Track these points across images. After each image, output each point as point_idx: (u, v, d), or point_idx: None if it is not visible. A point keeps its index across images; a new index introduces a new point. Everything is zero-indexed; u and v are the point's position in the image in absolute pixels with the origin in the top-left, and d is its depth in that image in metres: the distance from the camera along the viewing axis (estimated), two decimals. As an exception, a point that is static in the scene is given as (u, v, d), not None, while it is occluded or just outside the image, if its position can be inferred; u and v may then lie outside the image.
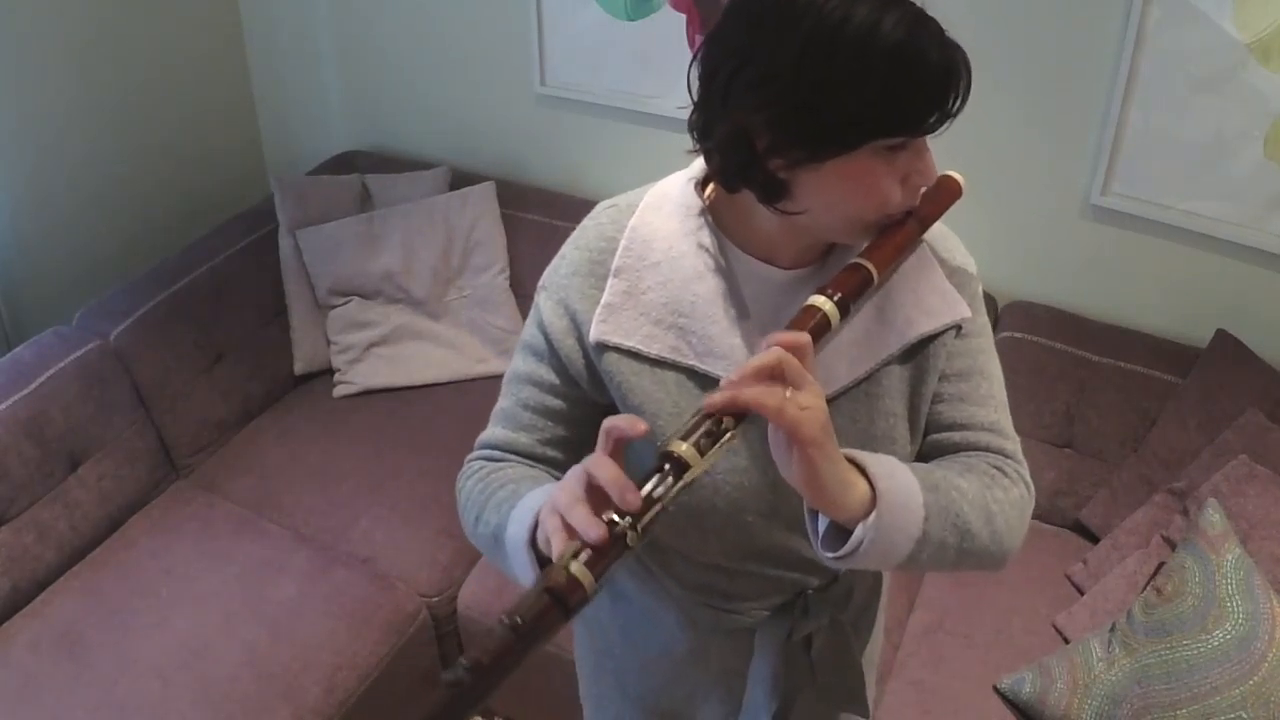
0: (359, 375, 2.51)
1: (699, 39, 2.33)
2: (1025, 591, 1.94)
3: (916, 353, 1.02)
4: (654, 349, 0.99)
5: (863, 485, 0.89)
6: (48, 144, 2.52)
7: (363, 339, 2.52)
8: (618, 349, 1.00)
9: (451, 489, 1.14)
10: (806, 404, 0.84)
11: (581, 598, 0.77)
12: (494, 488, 1.04)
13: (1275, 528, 1.75)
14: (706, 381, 0.99)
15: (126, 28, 2.61)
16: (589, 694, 1.36)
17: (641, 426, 0.83)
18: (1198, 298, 2.12)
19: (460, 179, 2.66)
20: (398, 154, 2.84)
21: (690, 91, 0.93)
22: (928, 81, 0.85)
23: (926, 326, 1.01)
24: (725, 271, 1.00)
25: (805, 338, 0.86)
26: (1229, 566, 1.64)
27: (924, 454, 1.06)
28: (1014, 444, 1.06)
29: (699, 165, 1.02)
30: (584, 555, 0.78)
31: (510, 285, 2.59)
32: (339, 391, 2.51)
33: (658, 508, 0.81)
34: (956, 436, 1.04)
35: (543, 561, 0.90)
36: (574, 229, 1.09)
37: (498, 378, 2.69)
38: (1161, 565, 1.79)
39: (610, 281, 1.00)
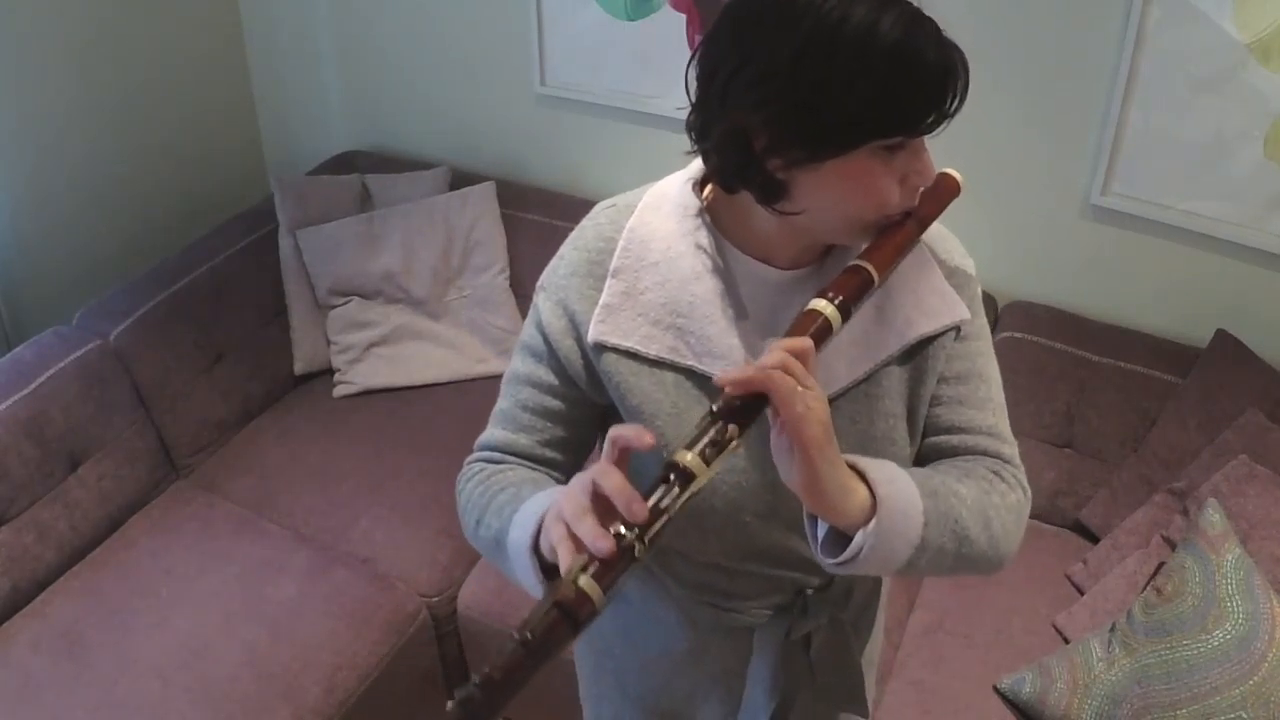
0: (359, 375, 2.51)
1: (699, 39, 2.33)
2: (1025, 591, 1.94)
3: (915, 354, 1.02)
4: (652, 349, 0.99)
5: (863, 491, 0.89)
6: (48, 144, 2.52)
7: (363, 339, 2.52)
8: (616, 349, 1.00)
9: (451, 489, 1.14)
10: (812, 405, 0.84)
11: (591, 611, 0.77)
12: (494, 491, 1.04)
13: (1275, 528, 1.75)
14: (705, 382, 0.99)
15: (126, 28, 2.61)
16: (589, 694, 1.36)
17: (648, 438, 0.83)
18: (1198, 298, 2.12)
19: (460, 179, 2.66)
20: (398, 154, 2.84)
21: (688, 92, 0.93)
22: (925, 81, 0.85)
23: (926, 327, 1.01)
24: (723, 272, 1.00)
25: (808, 343, 0.86)
26: (1229, 566, 1.64)
27: (921, 456, 1.06)
28: (1011, 448, 1.06)
29: (697, 165, 1.02)
30: (592, 568, 0.78)
31: (510, 285, 2.59)
32: (339, 391, 2.51)
33: (664, 519, 0.81)
34: (954, 440, 1.04)
35: (545, 566, 0.91)
36: (574, 229, 1.09)
37: (498, 378, 2.69)
38: (1161, 565, 1.79)
39: (608, 282, 1.01)
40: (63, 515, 2.06)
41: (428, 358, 2.54)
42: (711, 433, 0.83)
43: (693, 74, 0.92)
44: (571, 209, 2.53)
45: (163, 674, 1.83)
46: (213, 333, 2.39)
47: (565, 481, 1.06)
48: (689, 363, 0.99)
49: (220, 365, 2.40)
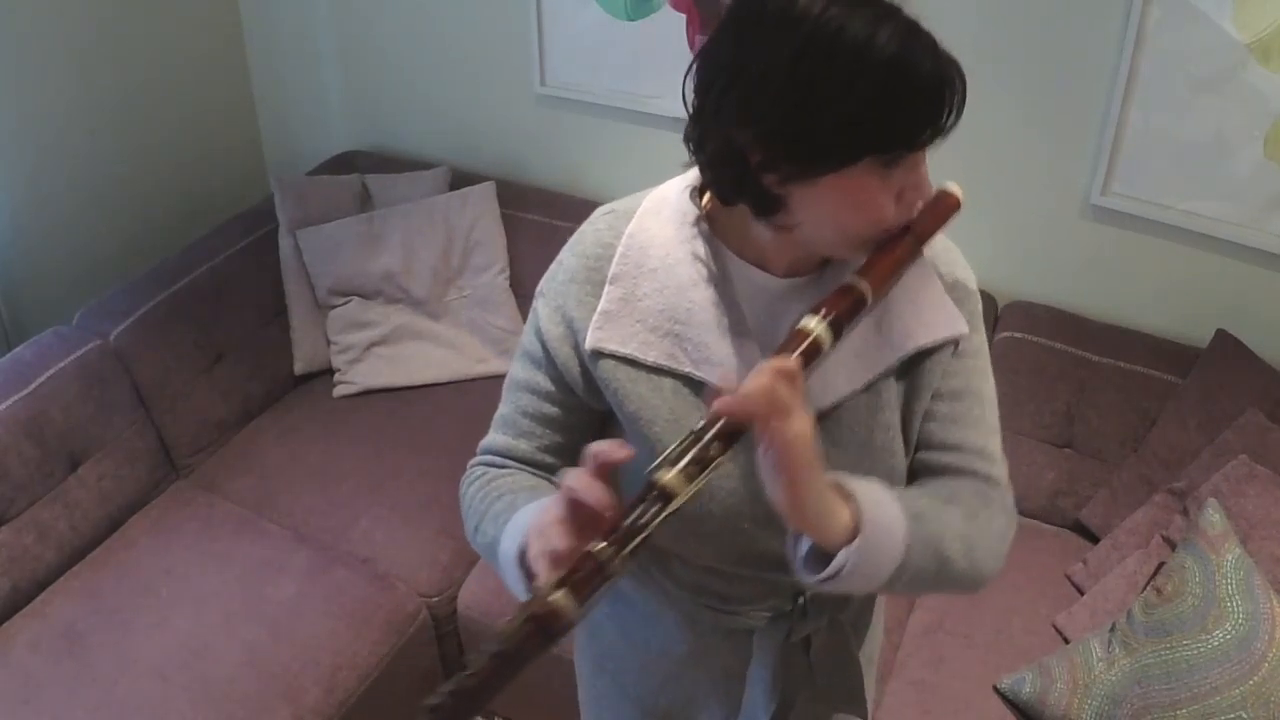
0: (359, 375, 2.51)
1: (699, 39, 2.33)
2: (1025, 591, 1.94)
3: (912, 368, 1.02)
4: (650, 356, 0.99)
5: (846, 512, 0.89)
6: (48, 144, 2.52)
7: (363, 339, 2.52)
8: (614, 356, 1.00)
9: (451, 489, 1.14)
10: (796, 430, 0.84)
11: (562, 625, 0.79)
12: (492, 498, 1.04)
13: (1275, 528, 1.75)
14: (702, 389, 0.99)
15: (126, 28, 2.61)
16: (588, 696, 1.36)
17: (624, 451, 0.83)
18: (1198, 298, 2.12)
19: (460, 179, 2.66)
20: (398, 154, 2.84)
21: (685, 103, 0.93)
22: (921, 95, 0.85)
23: (924, 340, 1.00)
24: (721, 279, 0.99)
25: (796, 365, 0.86)
26: (1229, 566, 1.64)
27: (910, 471, 1.06)
28: (1000, 469, 1.06)
29: (697, 171, 1.02)
30: (568, 583, 0.79)
31: (510, 285, 2.59)
32: (339, 391, 2.51)
33: (642, 536, 0.82)
34: (945, 458, 1.04)
35: (533, 577, 0.91)
36: (574, 229, 1.09)
37: (498, 378, 2.69)
38: (1161, 565, 1.79)
39: (606, 289, 1.00)
40: (63, 515, 2.06)
41: (428, 358, 2.54)
42: (694, 451, 0.84)
43: (689, 86, 0.92)
44: (571, 209, 2.54)
45: (163, 674, 1.83)
46: (213, 333, 2.39)
47: None
48: (686, 369, 0.99)
49: (220, 365, 2.40)
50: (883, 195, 0.90)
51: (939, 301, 1.01)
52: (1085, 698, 1.68)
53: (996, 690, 1.78)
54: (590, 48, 2.45)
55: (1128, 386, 2.06)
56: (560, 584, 0.79)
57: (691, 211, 1.00)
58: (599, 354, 1.00)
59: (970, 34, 2.08)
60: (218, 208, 2.82)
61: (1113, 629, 1.73)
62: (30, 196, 2.51)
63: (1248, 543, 1.72)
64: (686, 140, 0.95)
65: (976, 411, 1.04)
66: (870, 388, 1.00)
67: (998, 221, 2.22)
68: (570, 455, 1.09)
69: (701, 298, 0.98)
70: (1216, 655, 1.58)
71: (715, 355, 0.98)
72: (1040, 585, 1.96)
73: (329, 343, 2.55)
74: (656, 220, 1.01)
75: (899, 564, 0.91)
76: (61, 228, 2.60)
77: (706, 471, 0.84)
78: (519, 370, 1.09)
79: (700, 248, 0.99)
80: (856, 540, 0.88)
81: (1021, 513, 2.12)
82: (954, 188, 0.99)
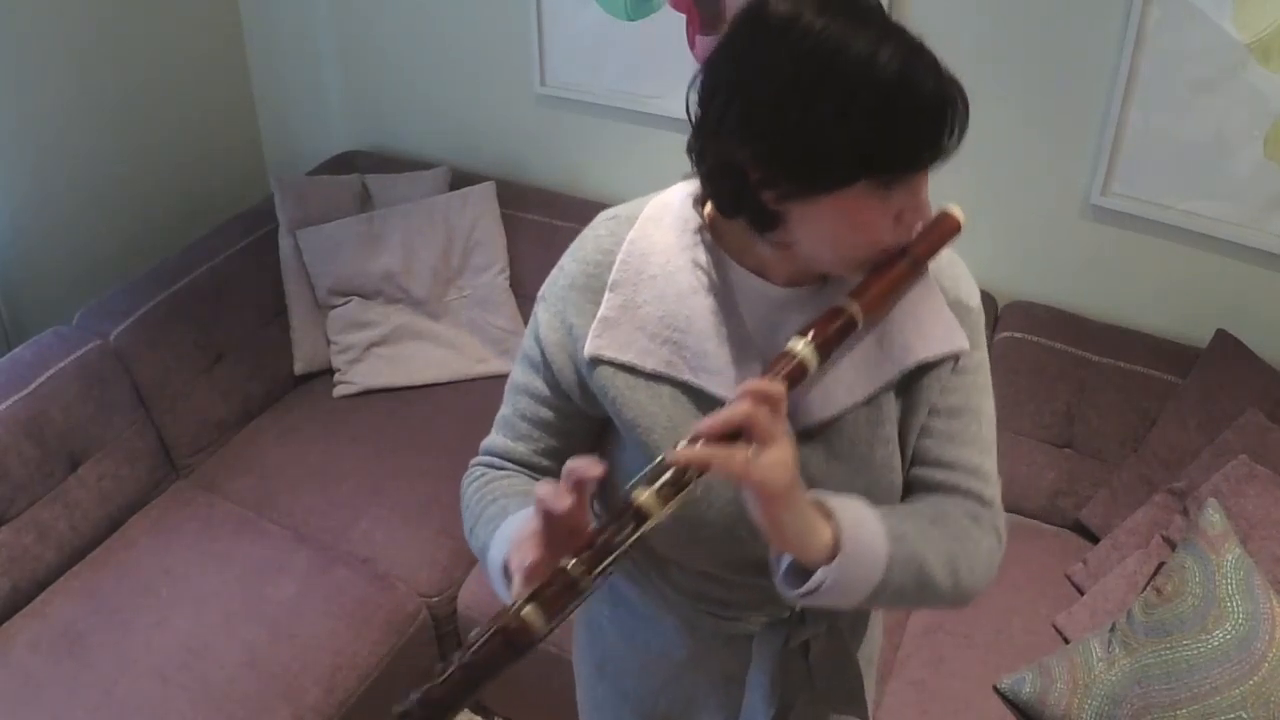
0: (359, 375, 2.51)
1: (699, 39, 2.33)
2: (1025, 591, 1.94)
3: (912, 382, 1.01)
4: (649, 363, 0.99)
5: (827, 533, 0.90)
6: (48, 144, 2.52)
7: (363, 339, 2.52)
8: (612, 363, 1.00)
9: (451, 488, 1.15)
10: (773, 459, 0.84)
11: (530, 640, 0.80)
12: (487, 501, 1.05)
13: (1275, 528, 1.75)
14: (700, 396, 0.99)
15: (126, 28, 2.61)
16: (586, 698, 1.36)
17: (599, 468, 0.84)
18: (1198, 298, 2.12)
19: (460, 179, 2.66)
20: (398, 154, 2.84)
21: (688, 113, 0.92)
22: (922, 117, 0.84)
23: (924, 354, 0.99)
24: (722, 287, 0.99)
25: (778, 389, 0.86)
26: (1229, 566, 1.64)
27: (904, 485, 1.06)
28: (993, 489, 1.05)
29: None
30: (539, 598, 0.81)
31: (510, 285, 2.59)
32: (339, 391, 2.51)
33: (615, 555, 0.83)
34: (938, 475, 1.04)
35: None
36: (574, 229, 1.09)
37: (498, 378, 2.69)
38: (1161, 565, 1.79)
39: (606, 295, 1.00)
40: (63, 515, 2.06)
41: (428, 358, 2.54)
42: (670, 474, 0.84)
43: (692, 98, 0.91)
44: (571, 209, 2.54)
45: (163, 674, 1.83)
46: (213, 333, 2.39)
47: None
48: (685, 378, 0.99)
49: (220, 365, 2.40)
50: (881, 216, 0.89)
51: (941, 316, 1.01)
52: (1085, 698, 1.68)
53: (996, 690, 1.78)
54: (590, 48, 2.45)
55: (1128, 386, 2.06)
56: (531, 599, 0.81)
57: (693, 219, 1.00)
58: (597, 361, 1.00)
59: (970, 34, 2.09)
60: (218, 208, 2.82)
61: (1113, 629, 1.73)
62: (30, 196, 2.51)
63: (1248, 543, 1.72)
64: (689, 150, 0.94)
65: (973, 429, 1.04)
66: (871, 401, 1.00)
67: (998, 221, 2.22)
68: (566, 459, 1.09)
69: (701, 306, 0.98)
70: (1216, 655, 1.58)
71: (713, 363, 0.98)
72: (1040, 585, 1.96)
73: (329, 343, 2.55)
74: (658, 227, 1.01)
75: (878, 583, 0.92)
76: (61, 228, 2.60)
77: (682, 493, 0.85)
78: (519, 373, 1.09)
79: (701, 255, 0.99)
80: (835, 559, 0.89)
81: (1021, 513, 2.12)
82: (955, 210, 0.98)
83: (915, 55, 0.84)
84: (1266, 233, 1.98)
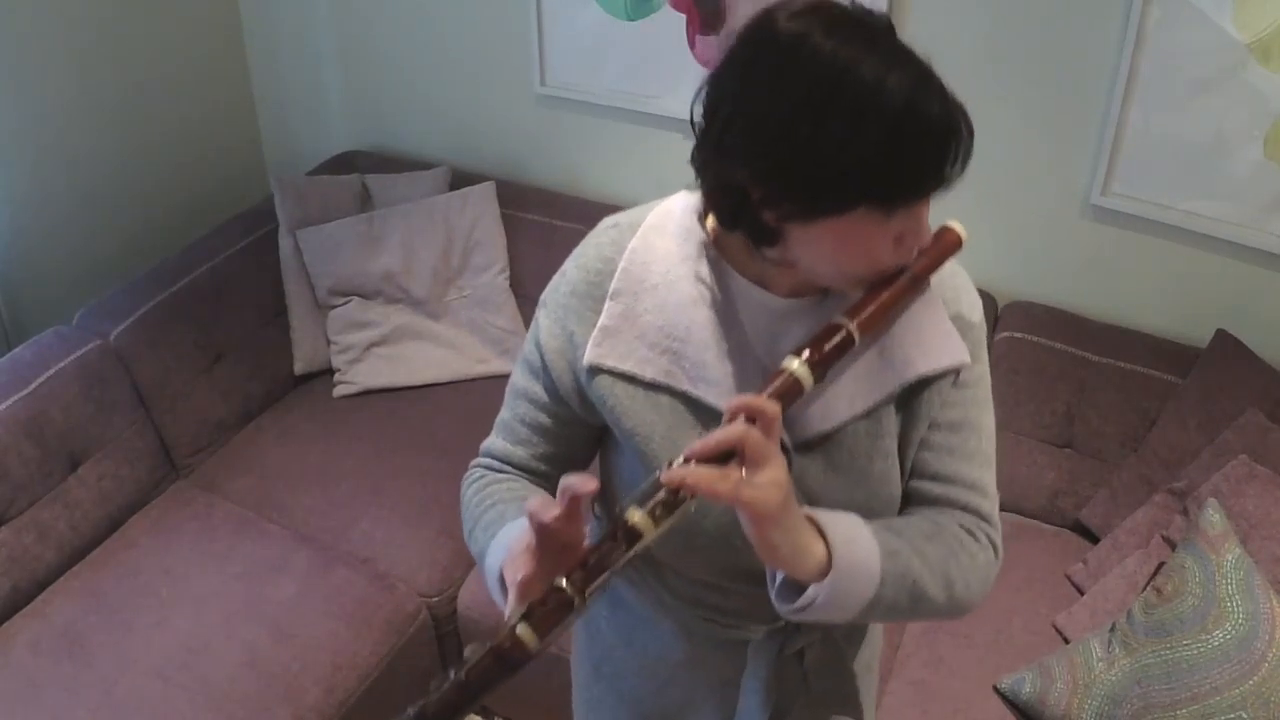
0: (359, 375, 2.51)
1: (699, 39, 2.33)
2: (1025, 591, 1.94)
3: (912, 396, 1.01)
4: (648, 373, 0.99)
5: (819, 550, 0.90)
6: (48, 144, 2.52)
7: (363, 339, 2.52)
8: (612, 372, 1.00)
9: (451, 488, 1.15)
10: (765, 481, 0.84)
11: (524, 658, 0.81)
12: (486, 505, 1.05)
13: (1275, 528, 1.75)
14: (699, 407, 0.99)
15: (126, 28, 2.61)
16: (582, 698, 1.36)
17: (592, 484, 0.84)
18: (1198, 298, 2.12)
19: (460, 179, 2.66)
20: (398, 154, 2.84)
21: (693, 126, 0.92)
22: (927, 145, 0.84)
23: (924, 367, 0.99)
24: (723, 297, 0.99)
25: (773, 408, 0.86)
26: (1229, 566, 1.64)
27: (902, 498, 1.06)
28: (992, 503, 1.05)
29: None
30: (532, 617, 0.82)
31: (510, 285, 2.59)
32: (339, 391, 2.51)
33: (606, 575, 0.84)
34: (936, 489, 1.03)
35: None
36: (574, 229, 1.10)
37: (498, 378, 2.69)
38: (1161, 565, 1.79)
39: (607, 304, 1.00)
40: (63, 515, 2.06)
41: (428, 358, 2.54)
42: (664, 494, 0.84)
43: (697, 110, 0.91)
44: (571, 209, 2.54)
45: (163, 674, 1.83)
46: (213, 333, 2.39)
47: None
48: (684, 387, 0.99)
49: (220, 365, 2.40)
50: (880, 239, 0.89)
51: (942, 329, 1.00)
52: (1085, 698, 1.68)
53: (996, 690, 1.78)
54: (590, 48, 2.45)
55: (1128, 386, 2.06)
56: (524, 617, 0.82)
57: (695, 229, 1.00)
58: (597, 369, 1.00)
59: (970, 34, 2.09)
60: (218, 208, 2.82)
61: (1113, 629, 1.73)
62: (30, 196, 2.51)
63: (1248, 543, 1.72)
64: (691, 161, 0.94)
65: (973, 444, 1.03)
66: (870, 414, 1.00)
67: (998, 221, 2.22)
68: (565, 465, 1.10)
69: (702, 316, 0.98)
70: (1216, 655, 1.58)
71: (712, 374, 0.98)
72: (1040, 585, 1.96)
73: (329, 343, 2.55)
74: (660, 236, 1.01)
75: (871, 599, 0.92)
76: (61, 228, 2.60)
77: (676, 513, 0.85)
78: (519, 377, 1.09)
79: (703, 265, 0.99)
80: (827, 577, 0.89)
81: (1021, 513, 2.12)
82: (956, 226, 0.98)
83: (923, 81, 0.83)
84: (1266, 233, 1.98)
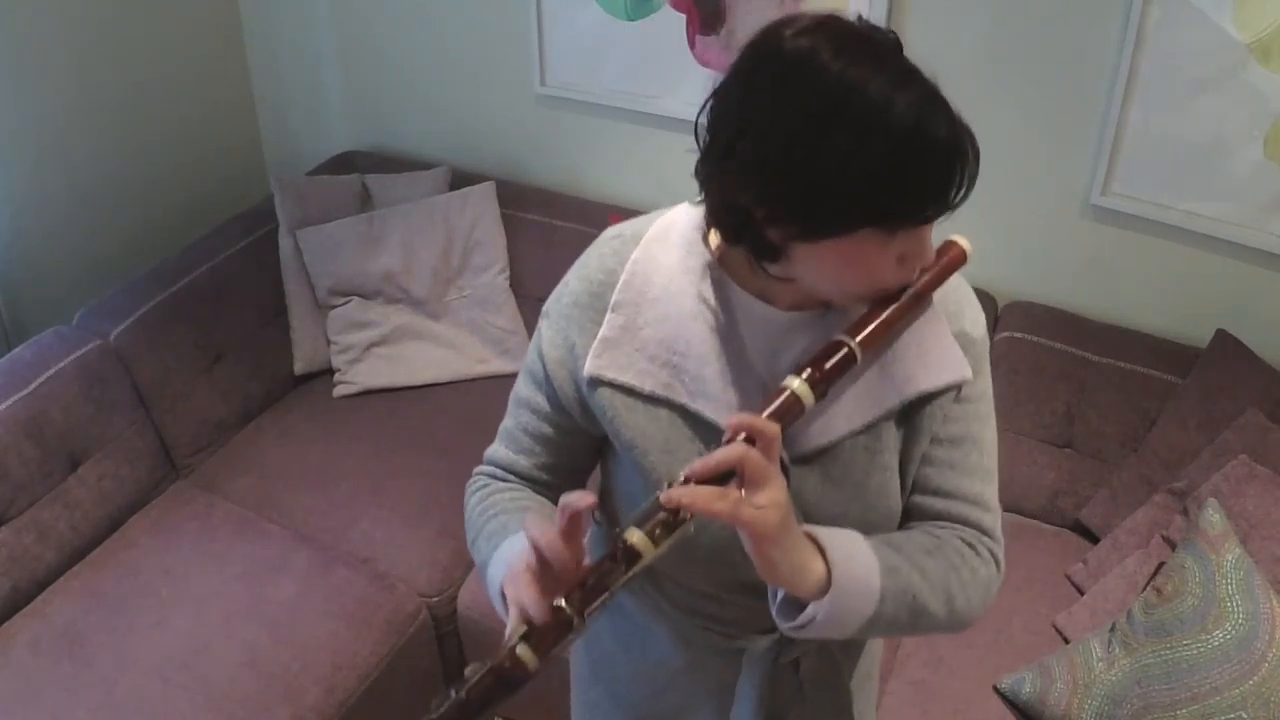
0: (359, 375, 2.51)
1: (699, 39, 2.33)
2: (1025, 591, 1.94)
3: (913, 411, 1.00)
4: (647, 385, 0.99)
5: (819, 568, 0.90)
6: (48, 144, 2.52)
7: (363, 339, 2.52)
8: (611, 384, 1.00)
9: (451, 488, 1.15)
10: (764, 502, 0.85)
11: (524, 679, 0.83)
12: (488, 515, 1.06)
13: (1275, 528, 1.75)
14: (698, 421, 0.99)
15: (126, 28, 2.61)
16: (580, 701, 1.36)
17: (590, 499, 0.85)
18: (1198, 298, 2.12)
19: (460, 179, 2.66)
20: (398, 154, 2.84)
21: (697, 139, 0.91)
22: (932, 170, 0.83)
23: (926, 384, 0.98)
24: (724, 311, 0.98)
25: (772, 428, 0.86)
26: (1229, 566, 1.64)
27: (903, 513, 1.05)
28: (994, 518, 1.05)
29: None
30: (532, 637, 0.83)
31: (510, 285, 2.59)
32: (339, 391, 2.51)
33: (606, 595, 0.85)
34: (938, 504, 1.03)
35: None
36: (574, 229, 1.10)
37: (498, 378, 2.69)
38: (1161, 565, 1.79)
39: (608, 316, 1.00)
40: (63, 515, 2.06)
41: (428, 358, 2.54)
42: (663, 514, 0.85)
43: (703, 122, 0.90)
44: (572, 209, 2.54)
45: (163, 674, 1.83)
46: (213, 333, 2.39)
47: None
48: (682, 401, 0.99)
49: (220, 365, 2.40)
50: (883, 259, 0.89)
51: (944, 345, 0.99)
52: (1085, 698, 1.68)
53: (996, 690, 1.78)
54: (590, 48, 2.45)
55: (1128, 386, 2.06)
56: (524, 638, 0.83)
57: (698, 241, 0.99)
58: (597, 381, 1.00)
59: (971, 34, 2.09)
60: (218, 208, 2.82)
61: (1113, 629, 1.73)
62: (30, 196, 2.51)
63: (1248, 543, 1.72)
64: (695, 174, 0.93)
65: (974, 458, 1.03)
66: (870, 429, 0.99)
67: (998, 221, 2.22)
68: (567, 474, 1.11)
69: (702, 329, 0.98)
70: (1216, 655, 1.58)
71: (711, 388, 0.98)
72: (1040, 585, 1.96)
73: (329, 343, 2.55)
74: (662, 248, 1.00)
75: (871, 615, 0.92)
76: (61, 228, 2.60)
77: (674, 534, 0.85)
78: (522, 387, 1.09)
79: (704, 279, 0.98)
80: (827, 595, 0.89)
81: (1021, 513, 2.12)
82: (961, 240, 0.98)
83: (931, 103, 0.82)
84: (1266, 233, 1.98)
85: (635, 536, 0.85)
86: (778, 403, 0.90)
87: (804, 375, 0.90)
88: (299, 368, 2.54)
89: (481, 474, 1.13)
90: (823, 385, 0.91)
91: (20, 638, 1.91)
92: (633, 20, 2.37)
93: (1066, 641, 1.85)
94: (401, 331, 2.55)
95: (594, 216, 2.44)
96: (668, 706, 1.24)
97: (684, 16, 2.31)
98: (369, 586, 2.02)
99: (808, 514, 0.99)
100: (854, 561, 0.92)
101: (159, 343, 2.28)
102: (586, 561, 0.89)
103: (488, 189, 2.59)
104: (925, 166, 0.83)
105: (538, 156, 2.69)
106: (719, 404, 0.98)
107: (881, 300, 0.94)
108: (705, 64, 2.33)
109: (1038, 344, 2.13)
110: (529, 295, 2.57)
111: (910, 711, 1.77)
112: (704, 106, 0.90)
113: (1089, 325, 2.16)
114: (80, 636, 1.91)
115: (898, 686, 1.81)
